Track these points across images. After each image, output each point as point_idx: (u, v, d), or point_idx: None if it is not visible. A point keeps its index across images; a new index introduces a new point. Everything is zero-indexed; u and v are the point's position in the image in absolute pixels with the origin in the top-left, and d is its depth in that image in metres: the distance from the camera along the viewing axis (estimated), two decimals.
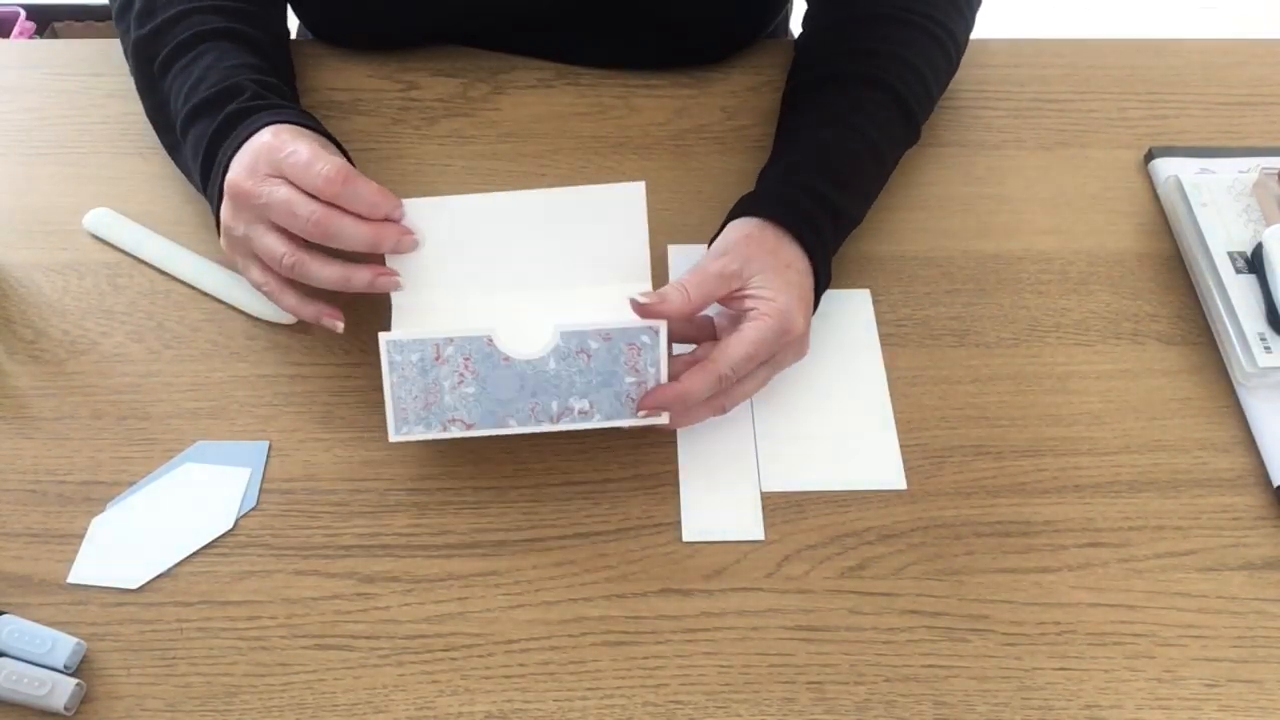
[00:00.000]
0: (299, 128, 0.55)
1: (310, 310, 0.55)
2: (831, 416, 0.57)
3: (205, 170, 0.57)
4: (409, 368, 0.51)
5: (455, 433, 0.52)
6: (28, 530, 0.52)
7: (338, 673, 0.48)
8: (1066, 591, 0.52)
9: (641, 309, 0.51)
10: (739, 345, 0.51)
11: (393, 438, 0.52)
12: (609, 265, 0.54)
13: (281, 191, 0.52)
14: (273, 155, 0.53)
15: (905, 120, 0.64)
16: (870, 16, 0.65)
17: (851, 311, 0.61)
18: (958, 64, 0.68)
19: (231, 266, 0.62)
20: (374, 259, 0.54)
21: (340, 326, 0.56)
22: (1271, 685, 0.49)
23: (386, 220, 0.53)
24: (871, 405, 0.58)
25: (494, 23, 0.73)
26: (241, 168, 0.54)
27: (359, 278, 0.53)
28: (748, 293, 0.53)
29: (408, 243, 0.53)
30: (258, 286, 0.56)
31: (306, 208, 0.51)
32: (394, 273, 0.53)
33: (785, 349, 0.54)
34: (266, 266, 0.55)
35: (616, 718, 0.47)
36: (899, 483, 0.55)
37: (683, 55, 0.73)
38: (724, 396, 0.53)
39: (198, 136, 0.58)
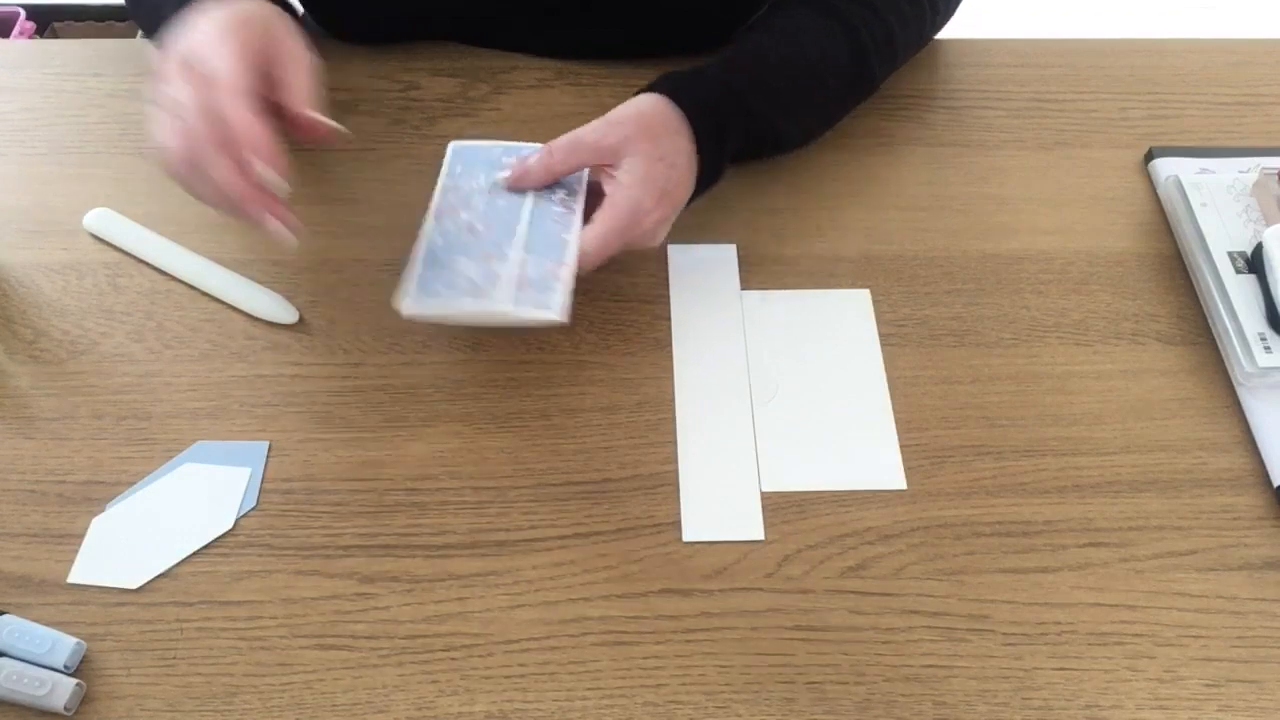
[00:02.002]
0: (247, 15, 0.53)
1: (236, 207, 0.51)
2: (831, 416, 0.57)
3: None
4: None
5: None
6: (28, 530, 0.52)
7: (338, 673, 0.48)
8: (1066, 591, 0.52)
9: (509, 181, 0.58)
10: (589, 240, 0.55)
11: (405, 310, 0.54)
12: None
13: (188, 92, 0.50)
14: (195, 50, 0.51)
15: (856, 58, 0.65)
16: None
17: (851, 311, 0.61)
18: (934, 28, 0.70)
19: (232, 265, 0.62)
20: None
21: (289, 243, 0.51)
22: (1271, 685, 0.49)
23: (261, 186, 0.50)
24: (871, 405, 0.58)
25: (494, 11, 0.73)
26: (179, 46, 0.52)
27: (245, 211, 0.50)
28: (612, 173, 0.56)
29: (278, 232, 0.50)
30: (165, 170, 0.53)
31: (199, 129, 0.49)
32: (275, 207, 0.51)
33: (633, 239, 0.57)
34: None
35: (616, 718, 0.47)
36: (899, 483, 0.55)
37: (681, 38, 0.74)
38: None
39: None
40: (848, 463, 0.55)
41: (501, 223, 0.57)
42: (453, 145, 0.61)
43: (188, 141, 0.50)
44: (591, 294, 0.61)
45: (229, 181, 0.50)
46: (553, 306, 0.54)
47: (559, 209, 0.58)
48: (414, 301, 0.54)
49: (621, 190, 0.56)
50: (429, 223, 0.57)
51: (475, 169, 0.60)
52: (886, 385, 0.58)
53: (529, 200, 0.58)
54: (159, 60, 0.54)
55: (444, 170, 0.60)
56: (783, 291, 0.62)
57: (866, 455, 0.56)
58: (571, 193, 0.59)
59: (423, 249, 0.56)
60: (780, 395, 0.58)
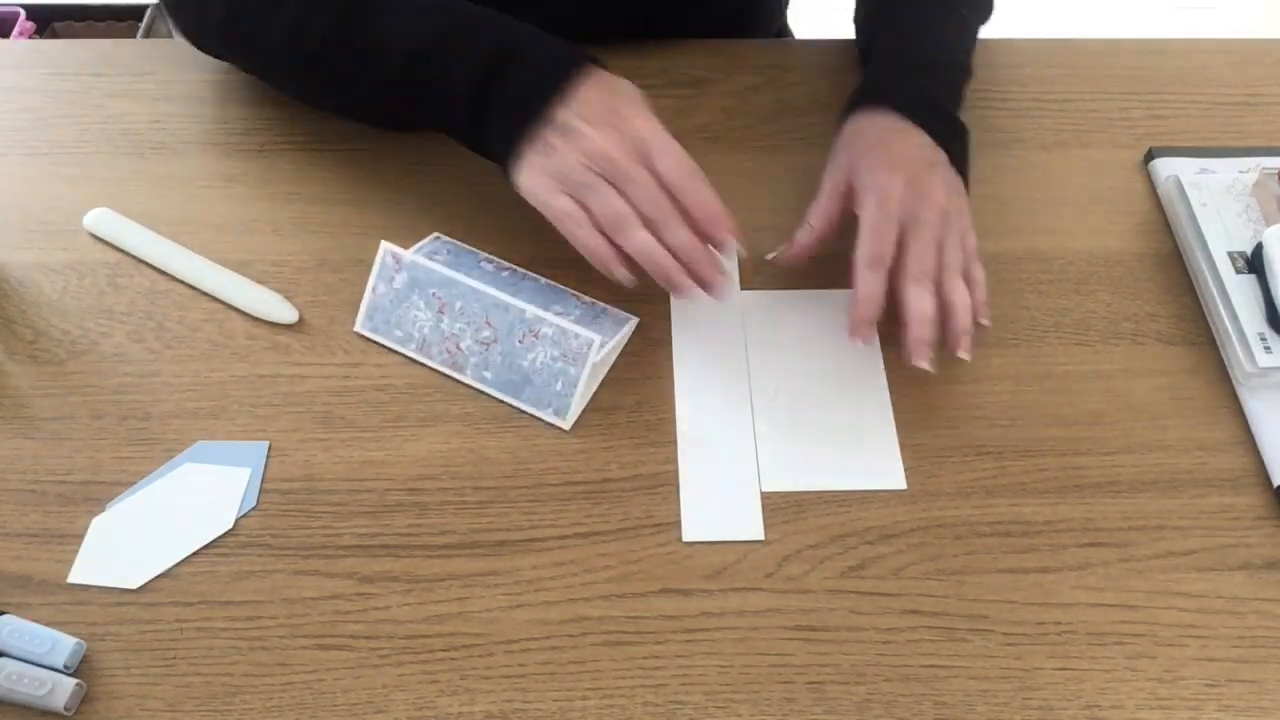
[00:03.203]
0: (620, 80, 0.58)
1: (606, 253, 0.56)
2: (832, 416, 0.57)
3: (492, 95, 0.57)
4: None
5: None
6: (28, 530, 0.52)
7: (338, 673, 0.48)
8: (1066, 591, 0.52)
9: (780, 260, 0.61)
10: (862, 234, 0.57)
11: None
12: None
13: (641, 174, 0.55)
14: (626, 122, 0.55)
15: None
16: None
17: None
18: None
19: (232, 265, 0.62)
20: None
21: (631, 282, 0.57)
22: (1271, 685, 0.49)
23: (710, 244, 0.56)
24: (872, 405, 0.58)
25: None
26: (586, 116, 0.55)
27: (664, 265, 0.55)
28: (858, 192, 0.58)
29: (717, 284, 0.56)
30: (563, 214, 0.56)
31: (652, 199, 0.55)
32: (722, 281, 0.57)
33: (917, 207, 0.57)
34: (579, 204, 0.56)
35: (616, 718, 0.47)
36: (899, 483, 0.55)
37: (677, 19, 0.74)
38: (915, 280, 0.56)
39: (464, 55, 0.57)
40: (848, 463, 0.55)
41: (503, 312, 0.56)
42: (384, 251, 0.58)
43: (648, 209, 0.55)
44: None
45: (688, 248, 0.55)
46: (625, 319, 0.60)
47: (505, 272, 0.61)
48: (573, 416, 0.56)
49: (865, 191, 0.58)
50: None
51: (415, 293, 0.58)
52: (887, 385, 0.58)
53: (481, 286, 0.57)
54: (542, 129, 0.56)
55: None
56: (783, 292, 0.62)
57: (867, 455, 0.56)
58: (490, 261, 0.62)
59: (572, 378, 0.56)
60: (780, 395, 0.57)
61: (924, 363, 0.55)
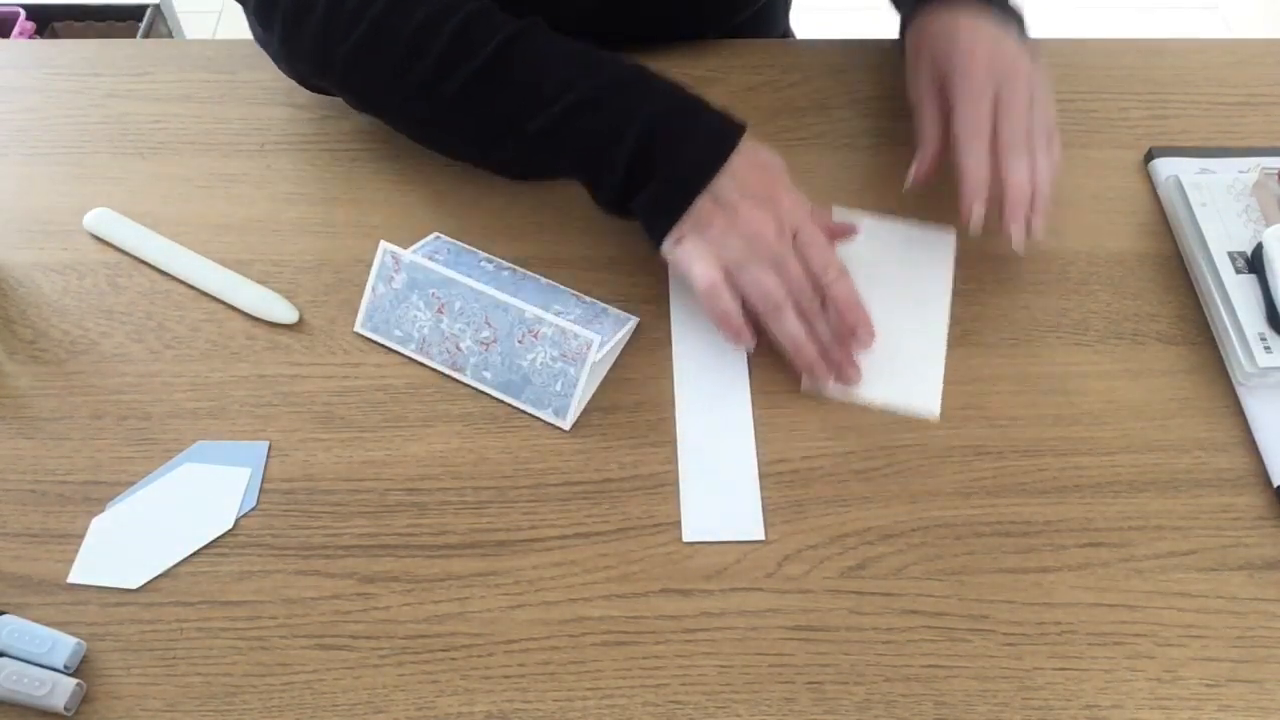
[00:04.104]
0: (769, 151, 0.59)
1: (738, 324, 0.57)
2: (885, 334, 0.59)
3: (656, 159, 0.56)
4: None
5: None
6: (28, 530, 0.52)
7: (338, 673, 0.48)
8: (1066, 591, 0.52)
9: (914, 185, 0.63)
10: (958, 107, 0.60)
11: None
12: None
13: (793, 260, 0.56)
14: (778, 202, 0.57)
15: None
16: None
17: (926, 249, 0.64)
18: None
19: (232, 265, 0.62)
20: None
21: (750, 350, 0.59)
22: (1271, 685, 0.49)
23: (851, 339, 0.58)
24: (926, 325, 0.60)
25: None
26: (745, 191, 0.56)
27: (807, 353, 0.57)
28: (948, 76, 0.61)
29: (851, 375, 0.58)
30: (712, 284, 0.56)
31: (801, 286, 0.56)
32: (856, 374, 0.58)
33: (1005, 84, 0.60)
34: (727, 275, 0.56)
35: (616, 718, 0.48)
36: (933, 410, 0.57)
37: (687, 26, 0.74)
38: (1014, 152, 0.59)
39: (633, 110, 0.57)
40: (889, 381, 0.58)
41: (503, 312, 0.56)
42: (384, 251, 0.58)
43: (800, 299, 0.57)
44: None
45: (830, 343, 0.57)
46: (625, 320, 0.60)
47: (505, 272, 0.61)
48: (573, 416, 0.56)
49: (951, 80, 0.61)
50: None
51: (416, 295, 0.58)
52: (947, 311, 0.61)
53: (481, 287, 0.56)
54: (702, 201, 0.56)
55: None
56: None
57: (909, 376, 0.58)
58: (490, 261, 0.62)
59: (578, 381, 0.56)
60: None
61: (1020, 235, 0.58)
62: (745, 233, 0.56)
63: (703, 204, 0.56)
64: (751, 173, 0.57)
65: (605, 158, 0.57)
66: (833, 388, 0.58)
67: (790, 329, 0.56)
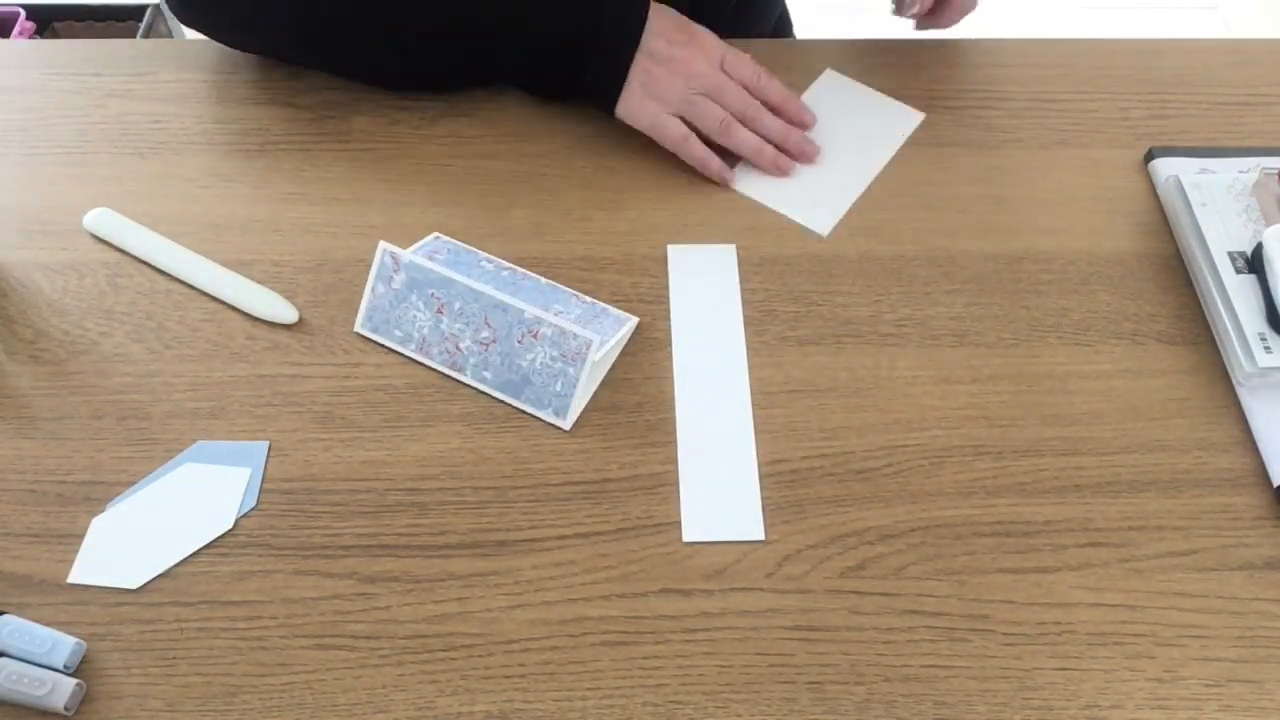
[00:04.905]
0: (667, 7, 0.68)
1: (715, 164, 0.66)
2: (819, 163, 0.69)
3: (585, 39, 0.65)
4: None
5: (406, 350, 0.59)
6: (28, 530, 0.52)
7: (338, 673, 0.48)
8: (1066, 591, 0.52)
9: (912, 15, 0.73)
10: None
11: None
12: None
13: (729, 82, 0.66)
14: (700, 41, 0.67)
15: None
16: None
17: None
18: None
19: (232, 265, 0.62)
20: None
21: (732, 182, 0.67)
22: (1271, 685, 0.49)
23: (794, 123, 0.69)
24: (857, 169, 0.68)
25: None
26: (673, 41, 0.66)
27: (767, 153, 0.67)
28: None
29: (808, 151, 0.68)
30: (679, 136, 0.66)
31: (742, 100, 0.67)
32: (815, 150, 0.68)
33: None
34: (685, 123, 0.66)
35: (616, 718, 0.48)
36: (824, 230, 0.65)
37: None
38: None
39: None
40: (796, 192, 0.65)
41: (502, 312, 0.56)
42: (383, 251, 0.58)
43: (742, 109, 0.67)
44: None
45: (782, 132, 0.68)
46: (625, 320, 0.60)
47: (505, 272, 0.61)
48: (573, 416, 0.56)
49: None
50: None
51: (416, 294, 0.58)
52: (883, 164, 0.69)
53: (480, 287, 0.57)
54: (642, 60, 0.65)
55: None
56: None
57: (818, 195, 0.65)
58: (490, 261, 0.62)
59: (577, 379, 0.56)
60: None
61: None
62: (683, 74, 0.65)
63: (640, 63, 0.66)
64: (669, 25, 0.67)
65: (541, 50, 0.67)
66: (746, 186, 0.67)
67: (744, 140, 0.67)
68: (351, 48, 0.68)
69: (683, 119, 0.66)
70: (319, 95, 0.71)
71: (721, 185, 0.67)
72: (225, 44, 0.72)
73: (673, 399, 0.58)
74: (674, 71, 0.65)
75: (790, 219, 0.65)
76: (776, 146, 0.67)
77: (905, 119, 0.71)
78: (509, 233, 0.64)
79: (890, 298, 0.62)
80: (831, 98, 0.72)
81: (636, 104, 0.66)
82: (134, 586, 0.51)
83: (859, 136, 0.70)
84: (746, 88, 0.67)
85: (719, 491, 0.54)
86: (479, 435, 0.56)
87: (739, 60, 0.67)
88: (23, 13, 1.53)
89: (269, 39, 0.70)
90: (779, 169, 0.67)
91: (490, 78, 0.70)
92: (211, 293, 0.61)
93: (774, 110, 0.68)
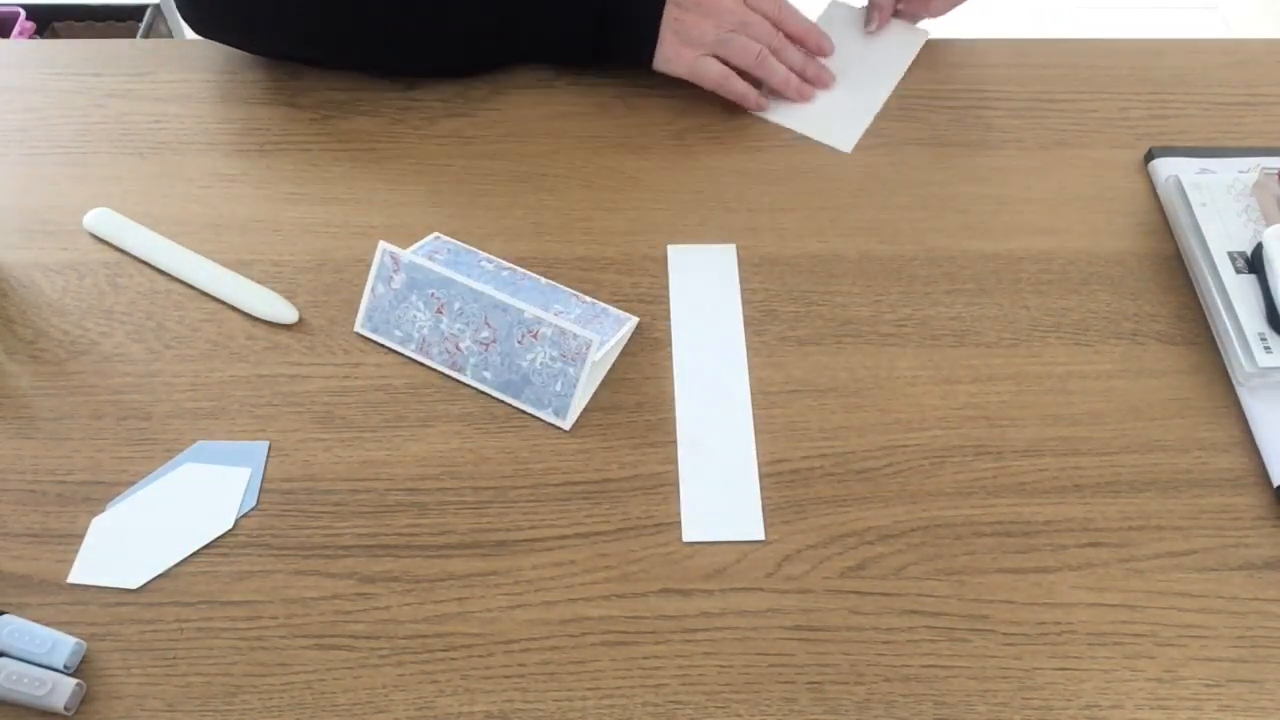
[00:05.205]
0: None
1: (753, 96, 0.70)
2: (834, 86, 0.75)
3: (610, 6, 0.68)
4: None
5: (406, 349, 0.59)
6: (28, 530, 0.52)
7: (338, 673, 0.48)
8: (1066, 591, 0.52)
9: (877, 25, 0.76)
10: None
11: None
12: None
13: (754, 16, 0.70)
14: None
15: None
16: None
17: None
18: None
19: (232, 265, 0.62)
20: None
21: (767, 109, 0.72)
22: (1271, 685, 0.49)
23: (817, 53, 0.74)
24: (872, 86, 0.74)
25: None
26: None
27: (793, 82, 0.71)
28: None
29: (825, 78, 0.73)
30: (721, 76, 0.69)
31: (769, 33, 0.70)
32: (830, 77, 0.73)
33: None
34: (722, 61, 0.69)
35: (616, 718, 0.48)
36: (848, 146, 0.71)
37: None
38: None
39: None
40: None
41: (502, 312, 0.56)
42: (383, 252, 0.58)
43: (772, 41, 0.70)
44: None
45: (803, 63, 0.72)
46: (625, 320, 0.60)
47: (505, 272, 0.61)
48: (573, 416, 0.56)
49: None
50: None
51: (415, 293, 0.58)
52: (897, 78, 0.74)
53: (480, 287, 0.57)
54: (669, 9, 0.68)
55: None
56: None
57: (837, 113, 0.71)
58: (490, 261, 0.62)
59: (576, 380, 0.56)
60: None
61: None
62: (713, 15, 0.68)
63: (669, 14, 0.68)
64: None
65: (568, 32, 0.69)
66: (772, 113, 0.71)
67: (776, 72, 0.70)
68: (376, 40, 0.68)
69: (716, 57, 0.69)
70: (319, 95, 0.71)
71: (757, 110, 0.71)
72: (239, 48, 0.72)
73: (673, 399, 0.58)
74: (703, 14, 0.68)
75: (811, 137, 0.70)
76: (798, 75, 0.72)
77: (911, 38, 0.76)
78: (509, 233, 0.64)
79: (890, 298, 0.62)
80: (841, 25, 0.77)
81: (672, 52, 0.69)
82: (134, 586, 0.51)
83: (870, 59, 0.75)
84: (768, 19, 0.70)
85: (719, 491, 0.54)
86: (479, 435, 0.56)
87: None
88: (23, 13, 1.53)
89: (288, 38, 0.70)
90: (803, 96, 0.71)
91: (516, 54, 0.72)
92: (211, 293, 0.61)
93: (795, 40, 0.71)
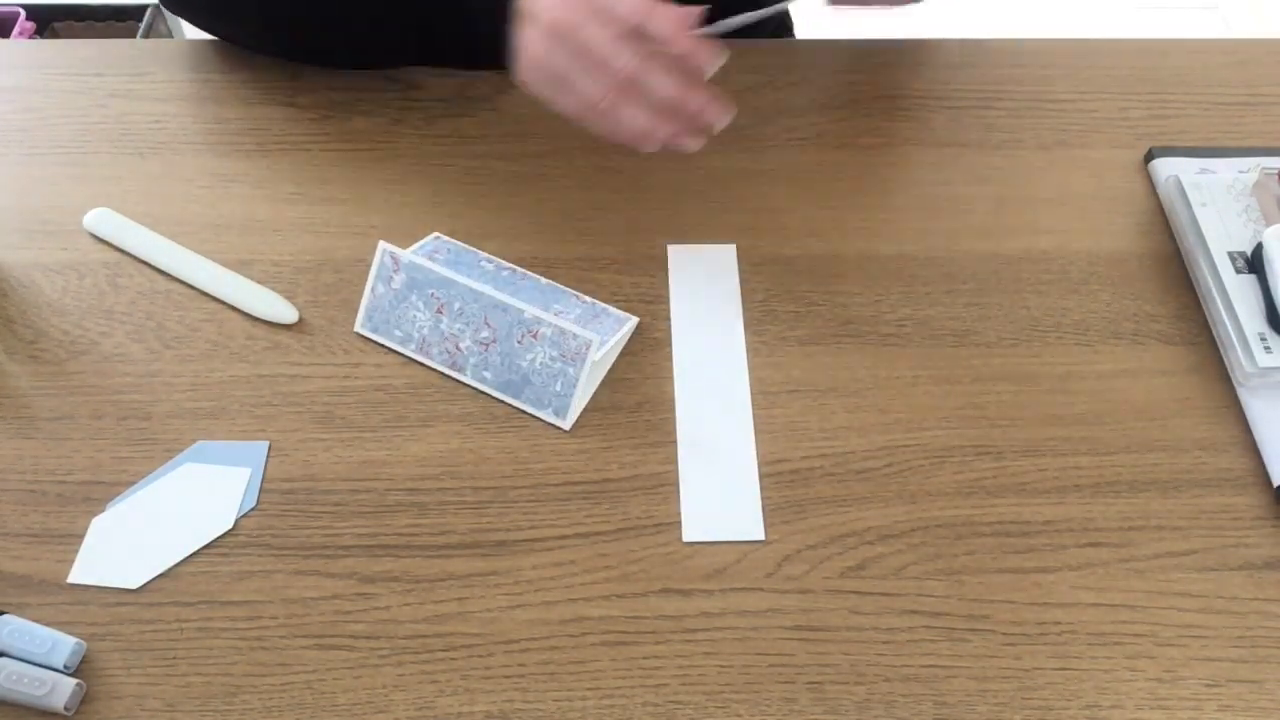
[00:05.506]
0: None
1: (662, 132, 0.55)
2: None
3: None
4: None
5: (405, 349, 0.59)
6: (28, 530, 0.52)
7: (338, 673, 0.48)
8: (1066, 591, 0.52)
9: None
10: None
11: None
12: None
13: (596, 38, 0.52)
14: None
15: None
16: None
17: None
18: None
19: (232, 265, 0.62)
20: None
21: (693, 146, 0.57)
22: (1271, 685, 0.49)
23: (696, 75, 0.54)
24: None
25: None
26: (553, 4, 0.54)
27: (660, 133, 0.54)
28: None
29: (714, 111, 0.55)
30: (575, 114, 0.55)
31: (619, 59, 0.52)
32: (701, 136, 0.56)
33: None
34: (563, 82, 0.55)
35: (616, 718, 0.48)
36: None
37: None
38: None
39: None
40: None
41: (502, 312, 0.56)
42: (383, 252, 0.58)
43: (632, 73, 0.52)
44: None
45: (680, 96, 0.53)
46: (625, 320, 0.60)
47: (505, 272, 0.60)
48: (573, 416, 0.56)
49: None
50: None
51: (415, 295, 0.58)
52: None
53: (480, 287, 0.57)
54: (527, 28, 0.55)
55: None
56: None
57: None
58: (490, 261, 0.62)
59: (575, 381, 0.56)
60: None
61: None
62: (557, 36, 0.54)
63: (534, 38, 0.55)
64: None
65: (475, 32, 0.60)
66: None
67: (627, 121, 0.54)
68: (314, 29, 0.68)
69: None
70: (319, 95, 0.71)
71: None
72: (206, 31, 0.73)
73: (673, 399, 0.58)
74: (560, 39, 0.54)
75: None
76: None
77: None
78: (509, 233, 0.64)
79: (890, 298, 0.62)
80: None
81: (532, 80, 0.60)
82: (134, 586, 0.51)
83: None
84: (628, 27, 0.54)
85: (719, 491, 0.54)
86: (479, 435, 0.56)
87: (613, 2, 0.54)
88: (23, 13, 1.53)
89: (241, 25, 0.70)
90: (683, 147, 0.58)
91: (431, 54, 0.69)
92: (211, 293, 0.61)
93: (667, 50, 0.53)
